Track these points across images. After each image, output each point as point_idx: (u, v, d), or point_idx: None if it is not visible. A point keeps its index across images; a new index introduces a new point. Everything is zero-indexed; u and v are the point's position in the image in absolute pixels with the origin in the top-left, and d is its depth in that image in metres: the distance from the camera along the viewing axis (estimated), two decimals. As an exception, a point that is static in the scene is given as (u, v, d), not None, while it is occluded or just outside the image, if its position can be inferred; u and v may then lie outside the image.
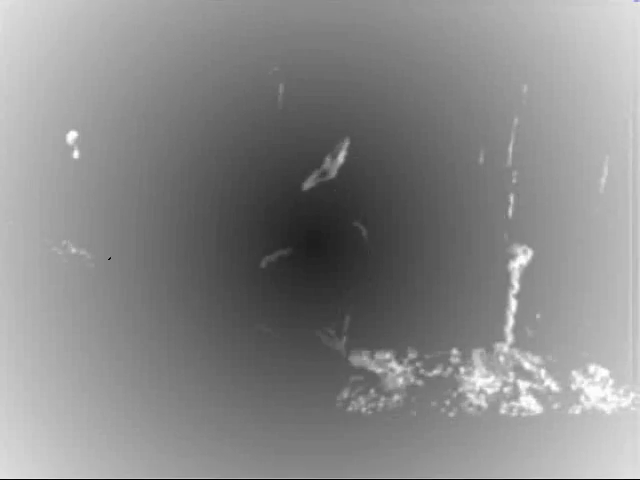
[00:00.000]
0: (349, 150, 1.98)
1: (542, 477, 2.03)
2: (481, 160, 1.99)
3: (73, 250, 2.03)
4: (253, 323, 2.11)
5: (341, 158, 1.97)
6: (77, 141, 1.95)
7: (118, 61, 2.02)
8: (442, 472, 2.05)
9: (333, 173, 2.02)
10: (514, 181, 1.99)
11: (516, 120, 1.96)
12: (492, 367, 2.08)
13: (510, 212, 2.01)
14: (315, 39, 2.06)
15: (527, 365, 2.04)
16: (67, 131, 1.99)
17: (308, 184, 1.99)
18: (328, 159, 1.98)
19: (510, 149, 1.98)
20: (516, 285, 2.04)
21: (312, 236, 2.12)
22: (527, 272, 2.03)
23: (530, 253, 2.03)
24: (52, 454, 2.05)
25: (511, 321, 2.07)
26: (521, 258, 2.03)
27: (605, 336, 2.03)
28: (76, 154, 1.98)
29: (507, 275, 2.05)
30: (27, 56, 2.01)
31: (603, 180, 1.96)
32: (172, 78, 2.04)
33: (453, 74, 2.01)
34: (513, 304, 2.04)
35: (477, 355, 2.08)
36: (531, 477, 2.03)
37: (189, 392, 2.09)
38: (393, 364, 2.07)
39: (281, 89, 1.93)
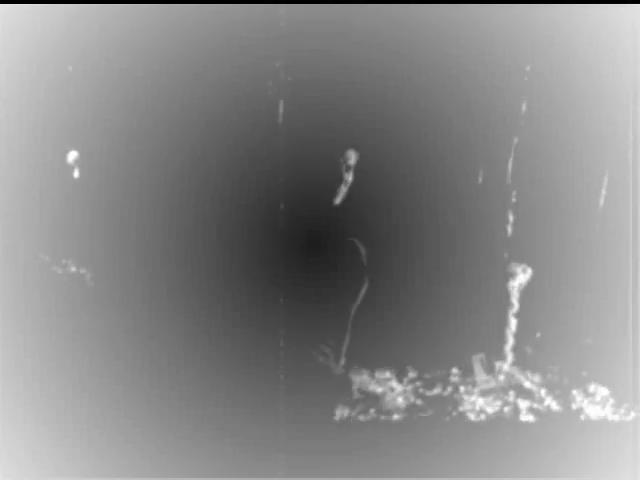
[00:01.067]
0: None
1: (541, 477, 2.03)
2: (480, 179, 2.00)
3: (73, 269, 2.05)
4: (253, 323, 2.12)
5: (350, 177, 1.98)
6: (78, 161, 1.95)
7: (120, 82, 2.03)
8: (440, 474, 2.06)
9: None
10: (513, 200, 2.00)
11: (515, 139, 1.97)
12: (492, 372, 2.08)
13: (509, 231, 2.01)
14: (316, 39, 2.06)
15: (527, 384, 2.05)
16: (68, 149, 2.00)
17: (339, 199, 2.00)
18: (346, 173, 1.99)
19: (509, 168, 1.99)
20: (516, 304, 2.04)
21: (312, 236, 2.12)
22: (527, 291, 2.03)
23: (530, 272, 2.03)
24: (52, 454, 2.05)
25: (511, 340, 2.07)
26: (521, 277, 2.03)
27: (605, 355, 2.02)
28: (76, 173, 1.99)
29: (507, 294, 2.05)
30: (26, 75, 2.02)
31: (603, 194, 1.97)
32: (176, 97, 2.04)
33: (452, 93, 2.01)
34: (513, 323, 2.04)
35: (477, 360, 2.08)
36: (530, 477, 2.03)
37: (189, 392, 2.10)
38: (393, 383, 2.07)
39: (281, 107, 1.94)
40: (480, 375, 2.08)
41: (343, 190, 2.01)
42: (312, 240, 2.11)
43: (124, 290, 2.09)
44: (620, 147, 1.99)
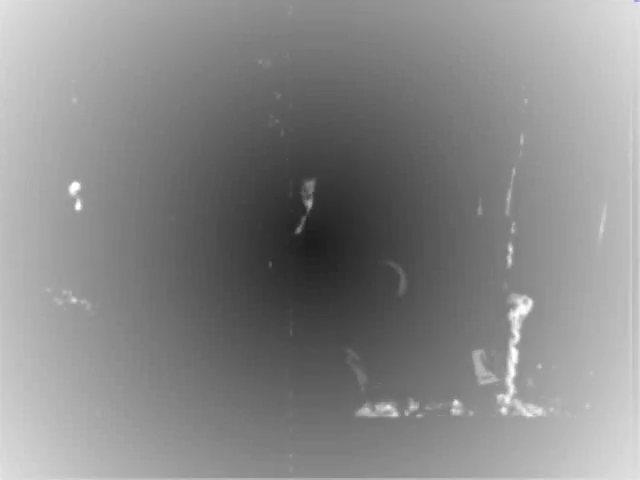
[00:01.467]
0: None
1: (541, 478, 2.03)
2: (479, 211, 2.00)
3: (74, 300, 2.06)
4: (254, 323, 2.11)
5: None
6: (80, 193, 1.96)
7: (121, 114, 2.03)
8: (440, 474, 2.06)
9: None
10: (513, 231, 2.00)
11: (514, 171, 1.97)
12: (491, 368, 2.08)
13: (509, 262, 2.01)
14: (316, 39, 2.06)
15: (529, 416, 2.05)
16: (70, 181, 2.00)
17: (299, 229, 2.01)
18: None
19: (508, 199, 1.99)
20: (517, 335, 2.04)
21: (312, 236, 2.12)
22: (528, 322, 2.03)
23: (530, 303, 2.02)
24: (52, 454, 2.05)
25: (512, 372, 2.07)
26: (521, 308, 2.03)
27: (608, 387, 2.02)
28: (79, 205, 2.00)
29: (507, 325, 2.05)
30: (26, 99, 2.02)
31: (602, 225, 1.97)
32: (176, 97, 2.04)
33: (452, 93, 2.02)
34: (514, 354, 2.04)
35: (477, 356, 2.08)
36: (530, 478, 2.03)
37: (189, 392, 2.09)
38: (394, 415, 2.08)
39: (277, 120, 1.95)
40: (480, 371, 2.08)
41: (302, 220, 2.03)
42: (312, 240, 2.11)
43: (124, 291, 2.09)
44: (620, 147, 1.99)
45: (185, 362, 2.09)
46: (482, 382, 2.07)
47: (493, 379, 2.07)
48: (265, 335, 2.11)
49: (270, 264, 2.10)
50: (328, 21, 2.04)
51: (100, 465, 2.05)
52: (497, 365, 2.06)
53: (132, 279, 2.09)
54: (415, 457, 2.06)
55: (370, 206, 2.10)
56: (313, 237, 2.11)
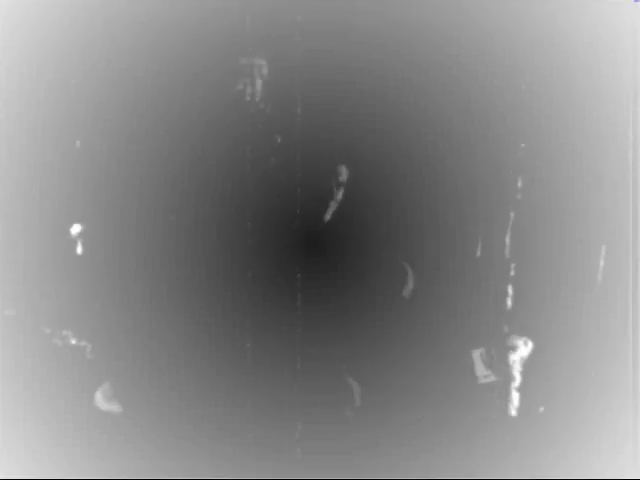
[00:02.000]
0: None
1: (541, 477, 2.03)
2: (478, 253, 2.01)
3: (73, 342, 2.06)
4: (254, 323, 2.12)
5: None
6: (81, 235, 1.96)
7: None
8: (440, 474, 2.06)
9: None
10: (512, 273, 2.00)
11: (512, 214, 1.98)
12: (491, 366, 2.08)
13: (509, 303, 2.02)
14: (316, 39, 2.06)
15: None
16: (70, 223, 2.01)
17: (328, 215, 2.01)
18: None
19: (507, 240, 2.00)
20: (518, 377, 2.04)
21: (312, 235, 2.12)
22: (528, 364, 2.03)
23: (531, 345, 2.03)
24: (52, 454, 2.05)
25: (514, 414, 2.08)
26: (522, 350, 2.03)
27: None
28: (80, 249, 2.00)
29: (508, 367, 2.05)
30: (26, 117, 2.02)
31: (601, 263, 1.97)
32: (176, 97, 2.04)
33: (452, 93, 2.02)
34: (515, 397, 2.04)
35: (477, 355, 2.08)
36: (530, 477, 2.03)
37: (189, 392, 2.10)
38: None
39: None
40: (480, 370, 2.08)
41: (333, 206, 2.03)
42: (312, 240, 2.11)
43: (124, 290, 2.09)
44: (620, 147, 1.99)
45: (185, 362, 2.09)
46: (482, 381, 2.08)
47: (492, 378, 2.07)
48: (265, 335, 2.11)
49: (269, 265, 2.10)
50: (328, 21, 2.04)
51: (100, 465, 2.05)
52: (497, 364, 2.06)
53: (132, 279, 2.09)
54: (415, 457, 2.06)
55: (370, 206, 2.10)
56: (313, 237, 2.11)
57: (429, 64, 2.05)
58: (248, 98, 2.10)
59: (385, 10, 2.02)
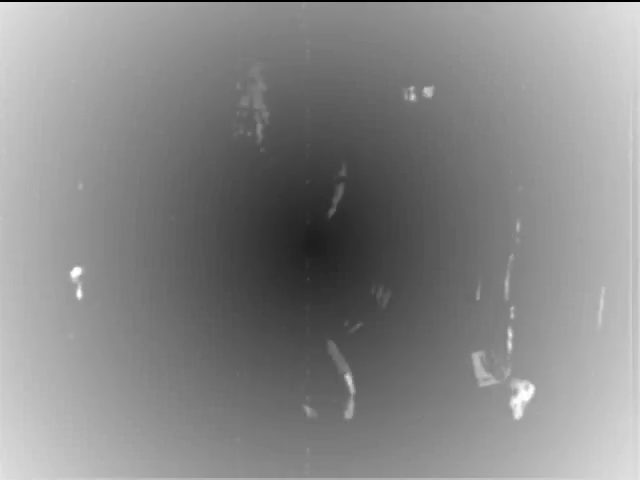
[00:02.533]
0: None
1: (541, 477, 2.03)
2: (478, 296, 2.02)
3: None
4: (254, 323, 2.12)
5: None
6: (81, 279, 1.97)
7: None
8: (440, 474, 2.06)
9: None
10: (512, 316, 2.01)
11: (511, 257, 1.99)
12: (492, 370, 2.08)
13: (509, 346, 2.02)
14: (316, 39, 2.06)
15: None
16: (71, 266, 2.02)
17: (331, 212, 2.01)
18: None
19: (506, 284, 2.01)
20: (519, 412, 2.04)
21: (311, 236, 2.12)
22: (530, 408, 2.03)
23: (532, 388, 2.03)
24: (52, 454, 2.05)
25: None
26: (523, 394, 2.03)
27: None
28: (80, 294, 2.01)
29: (509, 412, 2.05)
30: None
31: (601, 305, 1.98)
32: (176, 97, 2.04)
33: (452, 93, 2.02)
34: (517, 430, 2.05)
35: (477, 358, 2.08)
36: (530, 477, 2.04)
37: (189, 392, 2.10)
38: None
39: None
40: (480, 373, 2.08)
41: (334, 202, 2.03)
42: (312, 240, 2.11)
43: (124, 290, 2.09)
44: (620, 147, 1.99)
45: (185, 362, 2.09)
46: (482, 384, 2.08)
47: (493, 381, 2.07)
48: (265, 335, 2.11)
49: (269, 264, 2.10)
50: (328, 21, 2.04)
51: (100, 465, 2.05)
52: (497, 367, 2.06)
53: (132, 279, 2.09)
54: (415, 457, 2.06)
55: (370, 206, 2.10)
56: (314, 237, 2.11)
57: (429, 64, 2.05)
58: (248, 102, 2.10)
59: (385, 10, 2.02)
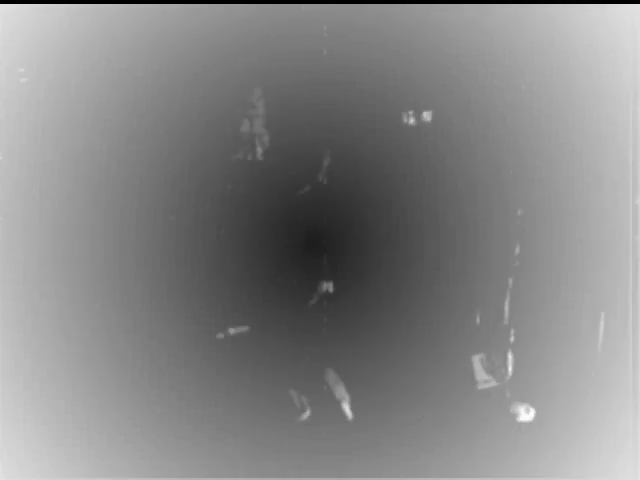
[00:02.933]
0: None
1: (541, 478, 2.03)
2: (478, 320, 2.02)
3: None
4: (254, 324, 2.12)
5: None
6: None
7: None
8: (440, 474, 2.06)
9: None
10: (512, 339, 2.01)
11: (510, 280, 2.00)
12: (492, 372, 2.08)
13: (510, 370, 2.03)
14: (316, 39, 2.06)
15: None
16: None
17: None
18: None
19: (506, 307, 2.01)
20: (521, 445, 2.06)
21: (312, 236, 2.12)
22: (530, 430, 2.05)
23: (532, 412, 2.04)
24: (52, 454, 2.05)
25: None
26: (524, 416, 2.05)
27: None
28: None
29: (513, 433, 2.06)
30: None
31: (601, 330, 1.99)
32: (176, 97, 2.05)
33: (452, 93, 2.03)
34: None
35: (477, 360, 2.09)
36: (530, 477, 2.03)
37: (189, 392, 2.10)
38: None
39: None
40: (480, 375, 2.08)
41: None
42: (312, 240, 2.11)
43: (124, 290, 2.09)
44: (620, 147, 1.99)
45: (185, 362, 2.09)
46: (482, 386, 2.08)
47: (493, 383, 2.07)
48: (265, 335, 2.11)
49: (270, 264, 2.10)
50: (329, 22, 2.04)
51: (100, 465, 2.05)
52: (497, 369, 2.07)
53: (132, 279, 2.09)
54: (415, 457, 2.06)
55: (370, 206, 2.10)
56: (314, 238, 2.11)
57: (429, 64, 2.05)
58: (251, 100, 2.10)
59: (385, 10, 2.02)
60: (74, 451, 2.05)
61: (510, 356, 2.06)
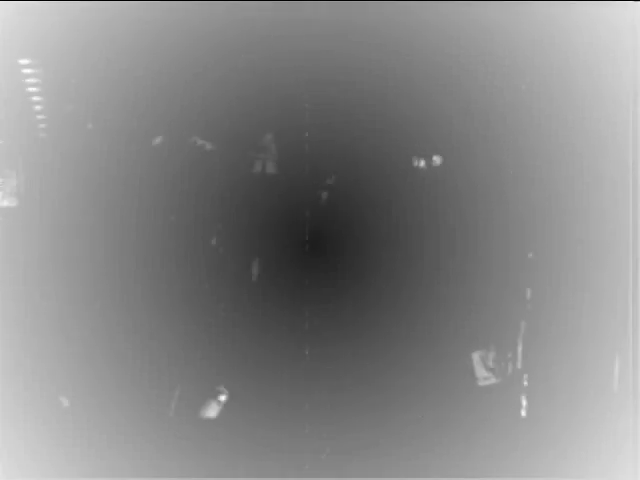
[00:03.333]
0: None
1: (541, 478, 2.03)
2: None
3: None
4: (253, 323, 2.12)
5: None
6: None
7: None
8: (441, 472, 2.06)
9: None
10: (525, 383, 2.01)
11: (523, 324, 2.00)
12: (491, 369, 2.08)
13: (523, 414, 2.03)
14: (316, 39, 2.06)
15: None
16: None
17: None
18: None
19: (519, 350, 2.02)
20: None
21: (312, 236, 2.12)
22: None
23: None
24: (52, 454, 2.05)
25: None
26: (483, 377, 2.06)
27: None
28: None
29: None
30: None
31: (615, 377, 2.00)
32: (176, 97, 2.04)
33: (452, 93, 2.03)
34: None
35: (477, 357, 2.09)
36: (530, 477, 2.03)
37: (189, 392, 2.10)
38: None
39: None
40: (480, 372, 2.08)
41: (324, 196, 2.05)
42: (312, 240, 2.11)
43: (124, 290, 2.09)
44: (620, 147, 1.99)
45: (185, 362, 2.09)
46: (482, 383, 2.08)
47: (493, 380, 2.07)
48: (265, 335, 2.11)
49: (270, 264, 2.11)
50: (329, 22, 2.04)
51: (100, 465, 2.05)
52: (497, 366, 2.07)
53: (132, 279, 2.09)
54: (415, 457, 2.06)
55: (370, 206, 2.10)
56: (315, 238, 2.11)
57: (429, 64, 2.05)
58: (253, 98, 2.10)
59: (385, 10, 2.02)
60: (74, 451, 2.05)
61: (510, 355, 2.06)
